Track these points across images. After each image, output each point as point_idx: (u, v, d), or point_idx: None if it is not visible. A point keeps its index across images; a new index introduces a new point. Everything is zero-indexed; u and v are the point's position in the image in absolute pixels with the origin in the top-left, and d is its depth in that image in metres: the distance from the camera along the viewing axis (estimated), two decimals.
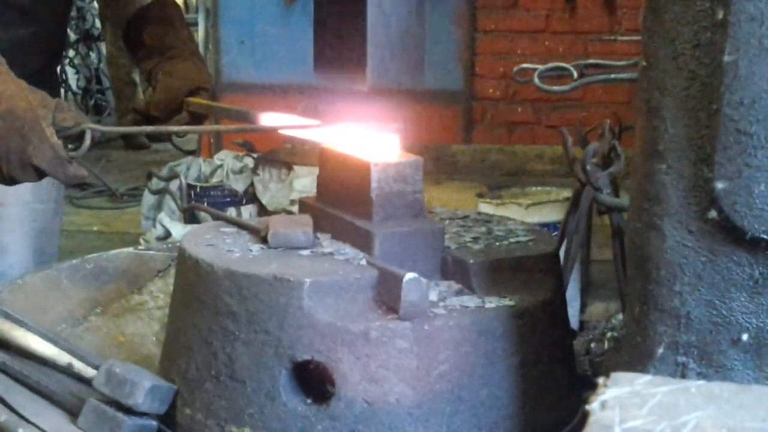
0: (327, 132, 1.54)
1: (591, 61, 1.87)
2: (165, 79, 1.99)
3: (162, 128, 1.96)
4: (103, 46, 8.86)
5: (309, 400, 1.26)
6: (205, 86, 2.01)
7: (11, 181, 1.58)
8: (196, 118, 1.99)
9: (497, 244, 1.44)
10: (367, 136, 1.46)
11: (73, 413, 1.31)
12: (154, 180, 3.99)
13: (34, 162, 1.52)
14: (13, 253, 2.24)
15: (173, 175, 4.20)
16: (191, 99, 1.96)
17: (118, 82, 8.44)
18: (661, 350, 1.01)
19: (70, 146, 1.54)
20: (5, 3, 1.97)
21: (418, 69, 5.63)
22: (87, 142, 1.54)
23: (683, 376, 1.00)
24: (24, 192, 2.20)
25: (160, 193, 4.12)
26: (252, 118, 1.72)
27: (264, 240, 1.40)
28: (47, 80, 1.96)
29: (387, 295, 1.26)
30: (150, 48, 2.05)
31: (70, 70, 8.49)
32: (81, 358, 1.36)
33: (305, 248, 1.38)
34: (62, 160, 1.53)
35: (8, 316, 1.42)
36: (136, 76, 8.38)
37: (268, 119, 1.70)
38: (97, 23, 8.81)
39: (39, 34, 2.06)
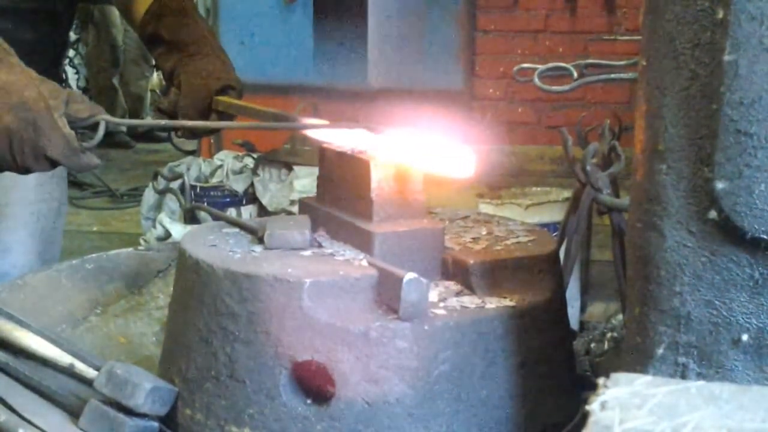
0: (385, 139, 1.43)
1: (591, 61, 1.87)
2: (190, 79, 1.89)
3: (176, 123, 1.91)
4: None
5: (309, 400, 1.26)
6: (234, 84, 1.91)
7: (25, 171, 1.59)
8: (226, 119, 1.89)
9: (497, 244, 1.44)
10: (440, 148, 1.36)
11: (74, 414, 1.31)
12: (159, 179, 4.00)
13: (47, 153, 1.52)
14: (16, 252, 2.23)
15: (175, 176, 4.21)
16: (220, 98, 1.87)
17: (97, 84, 8.43)
18: (661, 350, 1.00)
19: (82, 135, 1.55)
20: (12, 8, 1.96)
21: (418, 69, 5.63)
22: (101, 132, 1.53)
23: (683, 376, 1.00)
24: (28, 191, 2.19)
25: (164, 192, 4.13)
26: (288, 121, 1.65)
27: (261, 241, 1.40)
28: (52, 79, 1.96)
29: (387, 295, 1.25)
30: (169, 43, 1.96)
31: (70, 70, 8.48)
32: (82, 359, 1.36)
33: (303, 249, 1.38)
34: (75, 150, 1.53)
35: (9, 317, 1.41)
36: (116, 81, 8.38)
37: (310, 123, 1.61)
38: None
39: (45, 37, 2.05)
